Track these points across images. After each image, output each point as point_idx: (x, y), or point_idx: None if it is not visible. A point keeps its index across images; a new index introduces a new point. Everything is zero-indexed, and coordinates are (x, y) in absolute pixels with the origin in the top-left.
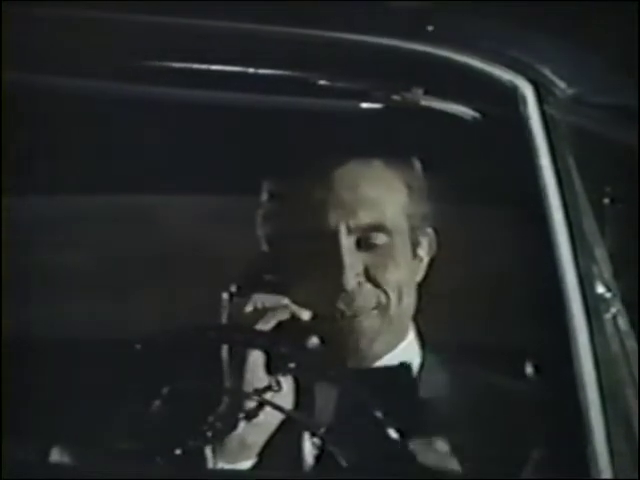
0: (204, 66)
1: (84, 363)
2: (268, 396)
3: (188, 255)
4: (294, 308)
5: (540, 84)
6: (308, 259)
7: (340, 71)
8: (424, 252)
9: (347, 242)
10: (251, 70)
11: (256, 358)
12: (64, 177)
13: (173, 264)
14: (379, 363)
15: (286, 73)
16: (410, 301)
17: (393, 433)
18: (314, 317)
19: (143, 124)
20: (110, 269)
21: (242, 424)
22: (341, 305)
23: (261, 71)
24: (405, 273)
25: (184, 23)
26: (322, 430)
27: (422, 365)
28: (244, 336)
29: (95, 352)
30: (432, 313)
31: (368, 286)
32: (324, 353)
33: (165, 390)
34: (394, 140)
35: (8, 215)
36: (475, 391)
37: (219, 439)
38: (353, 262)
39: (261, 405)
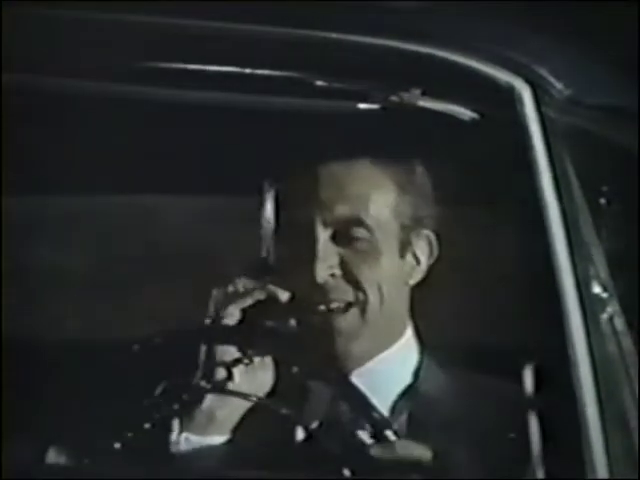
0: (202, 67)
1: (83, 363)
2: (239, 370)
3: (188, 255)
4: (272, 288)
5: (537, 85)
6: (291, 254)
7: (338, 72)
8: (423, 256)
9: (323, 235)
10: (248, 71)
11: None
12: (64, 177)
13: (173, 264)
14: (373, 362)
15: (284, 74)
16: (397, 301)
17: (391, 435)
18: (292, 299)
19: (143, 124)
20: (110, 269)
21: (209, 397)
22: (315, 298)
23: (258, 72)
24: (388, 272)
25: (183, 24)
26: (314, 425)
27: (420, 365)
28: (220, 333)
29: (94, 352)
30: (430, 313)
31: (343, 281)
32: (301, 338)
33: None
34: (392, 141)
35: (8, 215)
36: (471, 391)
37: (186, 411)
38: (327, 254)
39: (229, 377)
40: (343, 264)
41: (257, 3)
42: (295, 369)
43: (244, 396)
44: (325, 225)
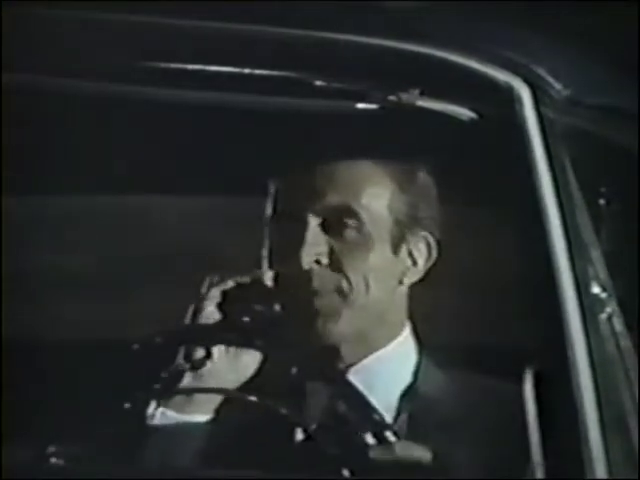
0: (202, 67)
1: (83, 363)
2: (218, 350)
3: (188, 255)
4: (257, 272)
5: (536, 85)
6: (282, 243)
7: (337, 72)
8: (421, 258)
9: (313, 222)
10: (247, 71)
11: (210, 312)
12: (64, 177)
13: (173, 264)
14: (369, 360)
15: (282, 74)
16: (387, 297)
17: (391, 436)
18: (276, 280)
19: (143, 124)
20: (110, 269)
21: (188, 375)
22: (299, 283)
23: (257, 72)
24: (377, 265)
25: (182, 24)
26: (313, 425)
27: (419, 365)
28: (210, 333)
29: (94, 352)
30: (429, 313)
31: (329, 269)
32: (285, 322)
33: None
34: (390, 141)
35: (8, 215)
36: (471, 391)
37: (166, 391)
38: (314, 241)
39: (208, 356)
40: (332, 253)
41: (257, 3)
42: (294, 369)
43: (237, 393)
44: (316, 213)
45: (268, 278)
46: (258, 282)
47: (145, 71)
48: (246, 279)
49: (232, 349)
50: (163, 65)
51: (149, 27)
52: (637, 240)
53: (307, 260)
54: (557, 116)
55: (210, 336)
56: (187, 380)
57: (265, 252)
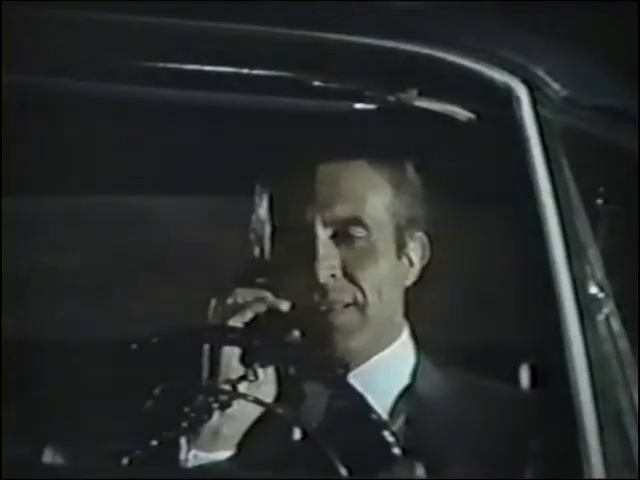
0: (200, 67)
1: (83, 363)
2: (244, 386)
3: (186, 256)
4: (272, 300)
5: (534, 85)
6: (289, 254)
7: (334, 72)
8: (417, 258)
9: (323, 235)
10: (245, 71)
11: (230, 349)
12: (64, 177)
13: (172, 264)
14: (369, 364)
15: (280, 74)
16: (394, 302)
17: (389, 436)
18: (293, 308)
19: (142, 124)
20: (109, 269)
21: (216, 414)
22: (316, 298)
23: (255, 72)
24: (386, 272)
25: (181, 24)
26: (313, 426)
27: (417, 366)
28: (220, 334)
29: (94, 352)
30: (426, 314)
31: (344, 281)
32: (305, 346)
33: (157, 390)
34: (388, 141)
35: (8, 215)
36: (468, 391)
37: (194, 429)
38: (328, 254)
39: (235, 396)
40: (345, 266)
41: (256, 3)
42: (292, 370)
43: (243, 396)
44: (325, 225)
45: (283, 305)
46: (275, 309)
47: (145, 71)
48: (262, 308)
49: (254, 384)
50: (163, 65)
51: (149, 27)
52: (635, 240)
53: (324, 274)
54: (555, 116)
55: (211, 336)
56: (214, 418)
57: (269, 264)
